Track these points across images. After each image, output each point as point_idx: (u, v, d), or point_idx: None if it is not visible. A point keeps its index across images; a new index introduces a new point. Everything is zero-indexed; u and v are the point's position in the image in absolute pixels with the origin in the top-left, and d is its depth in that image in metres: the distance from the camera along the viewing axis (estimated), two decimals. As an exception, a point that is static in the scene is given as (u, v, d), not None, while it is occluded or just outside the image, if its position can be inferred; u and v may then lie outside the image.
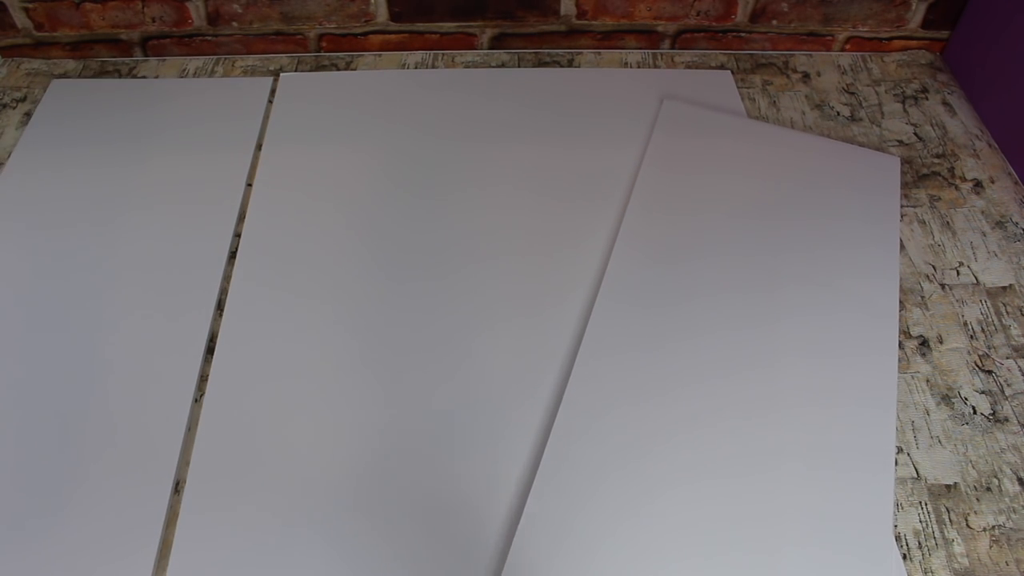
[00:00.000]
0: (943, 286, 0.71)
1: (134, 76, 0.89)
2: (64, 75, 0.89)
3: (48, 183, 0.76)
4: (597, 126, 0.83)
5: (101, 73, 0.90)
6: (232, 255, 0.71)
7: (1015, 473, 0.58)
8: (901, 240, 0.73)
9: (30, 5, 0.86)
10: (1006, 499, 0.57)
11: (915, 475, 0.58)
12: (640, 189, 0.74)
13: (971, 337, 0.67)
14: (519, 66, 0.91)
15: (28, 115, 0.84)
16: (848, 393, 0.61)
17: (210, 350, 0.64)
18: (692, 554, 0.53)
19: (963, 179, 0.79)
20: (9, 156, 0.79)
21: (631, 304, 0.66)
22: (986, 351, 0.66)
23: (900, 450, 0.60)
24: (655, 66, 0.92)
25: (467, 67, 0.91)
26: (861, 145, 0.82)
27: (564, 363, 0.63)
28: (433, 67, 0.91)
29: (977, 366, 0.65)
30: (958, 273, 0.71)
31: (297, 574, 0.52)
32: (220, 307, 0.67)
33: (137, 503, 0.55)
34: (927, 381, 0.64)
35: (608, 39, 0.93)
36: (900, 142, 0.83)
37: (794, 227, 0.72)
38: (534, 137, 0.81)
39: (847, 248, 0.71)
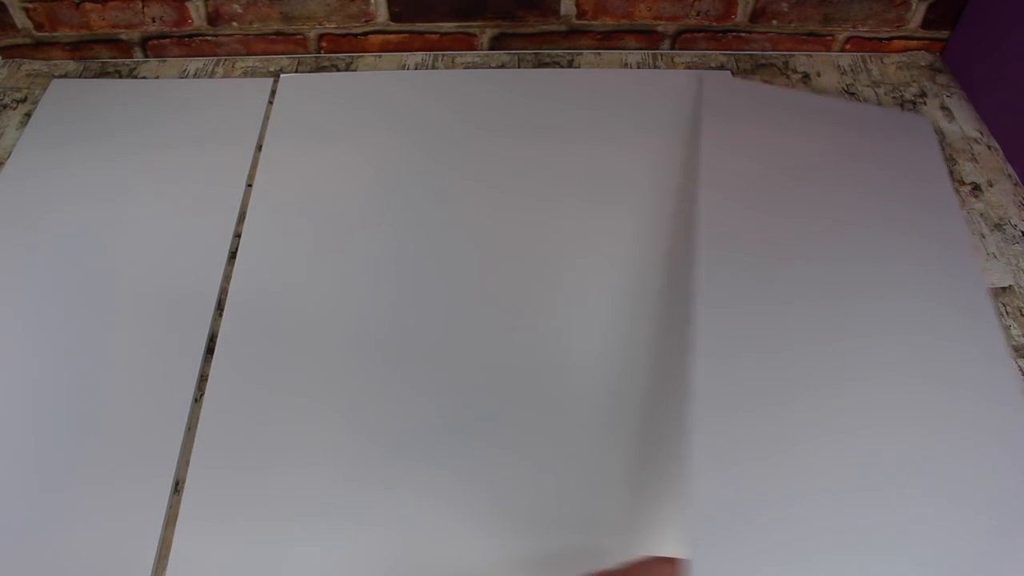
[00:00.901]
0: (942, 287, 0.71)
1: (134, 77, 0.89)
2: (64, 76, 0.89)
3: (48, 183, 0.76)
4: (596, 127, 0.83)
5: (101, 74, 0.90)
6: (232, 255, 0.71)
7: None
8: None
9: (30, 5, 0.86)
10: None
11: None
12: (707, 175, 0.73)
13: (970, 338, 0.67)
14: (519, 66, 0.91)
15: (28, 115, 0.84)
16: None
17: (210, 350, 0.65)
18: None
19: (961, 182, 0.79)
20: (9, 156, 0.79)
21: (733, 308, 0.63)
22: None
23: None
24: (655, 66, 0.92)
25: (467, 68, 0.91)
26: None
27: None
28: (433, 68, 0.91)
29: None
30: (957, 274, 0.72)
31: (297, 574, 0.53)
32: (220, 307, 0.67)
33: (137, 503, 0.55)
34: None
35: (608, 39, 0.93)
36: (900, 143, 0.83)
37: (861, 205, 0.72)
38: (535, 138, 0.81)
39: (918, 232, 0.70)
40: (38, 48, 0.91)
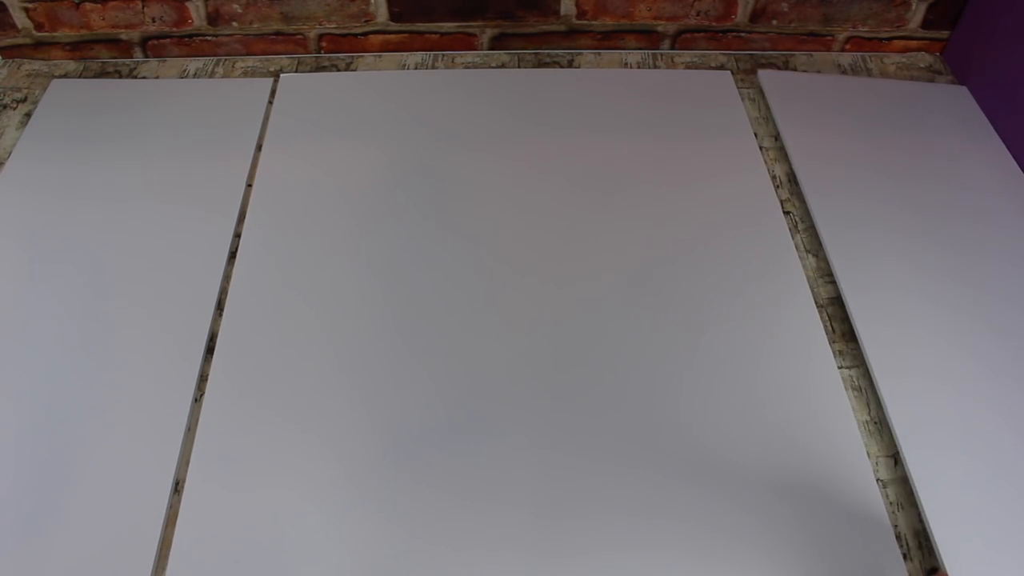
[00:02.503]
0: (943, 286, 0.71)
1: (134, 77, 0.89)
2: (64, 75, 0.89)
3: (48, 183, 0.76)
4: (596, 127, 0.83)
5: (101, 74, 0.90)
6: (232, 255, 0.71)
7: None
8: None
9: (30, 5, 0.86)
10: None
11: None
12: (802, 172, 0.78)
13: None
14: (519, 66, 0.91)
15: (28, 115, 0.84)
16: None
17: (210, 350, 0.64)
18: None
19: (963, 179, 0.80)
20: (9, 156, 0.79)
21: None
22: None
23: None
24: (655, 66, 0.92)
25: (467, 68, 0.91)
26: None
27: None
28: (433, 68, 0.91)
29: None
30: (958, 273, 0.72)
31: (297, 574, 0.52)
32: (220, 307, 0.67)
33: (137, 503, 0.55)
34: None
35: (608, 39, 0.93)
36: (900, 142, 0.83)
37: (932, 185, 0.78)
38: (535, 138, 0.81)
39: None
40: (38, 48, 0.91)
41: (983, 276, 0.69)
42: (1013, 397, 0.61)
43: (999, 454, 0.57)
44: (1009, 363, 0.63)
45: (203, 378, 0.63)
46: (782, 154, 0.81)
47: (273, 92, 0.87)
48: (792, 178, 0.79)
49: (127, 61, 0.91)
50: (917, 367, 0.63)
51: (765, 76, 0.89)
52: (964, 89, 0.88)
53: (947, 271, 0.70)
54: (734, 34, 0.92)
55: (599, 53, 0.93)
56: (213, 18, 0.89)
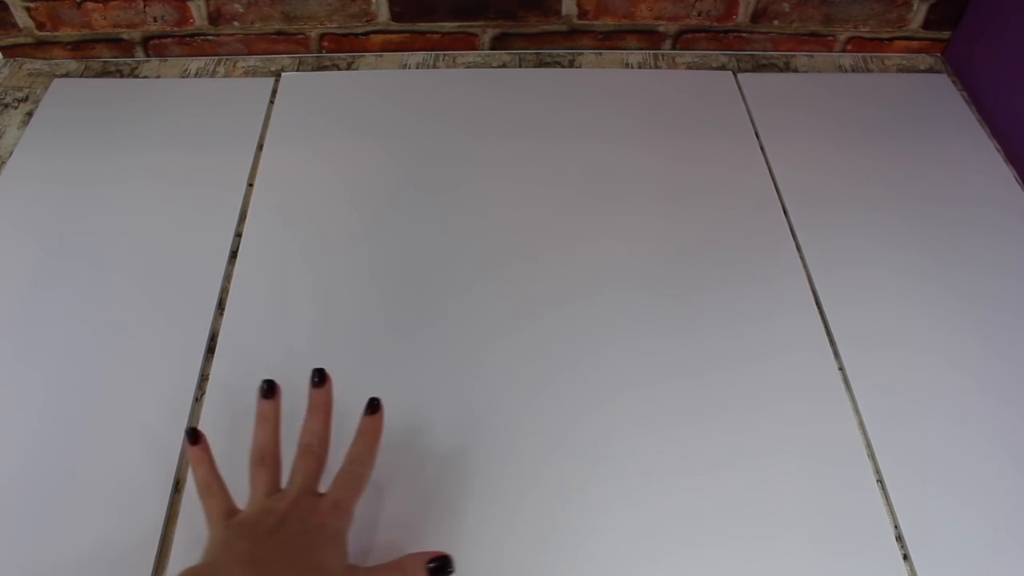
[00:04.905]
0: (944, 287, 0.71)
1: (135, 76, 0.89)
2: (66, 75, 0.89)
3: (49, 183, 0.76)
4: (597, 127, 0.83)
5: (103, 73, 0.90)
6: (233, 255, 0.71)
7: None
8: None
9: (32, 4, 0.86)
10: None
11: None
12: (778, 169, 0.79)
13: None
14: (520, 66, 0.91)
15: (30, 115, 0.84)
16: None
17: (210, 350, 0.65)
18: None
19: (964, 180, 0.79)
20: (11, 155, 0.79)
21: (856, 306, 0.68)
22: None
23: None
24: (656, 66, 0.92)
25: (468, 67, 0.91)
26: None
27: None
28: (434, 67, 0.91)
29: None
30: (959, 274, 0.72)
31: (297, 574, 0.53)
32: (221, 307, 0.67)
33: (137, 503, 0.55)
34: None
35: (609, 39, 0.93)
36: (901, 143, 0.83)
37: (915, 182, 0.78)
38: (536, 138, 0.81)
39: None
40: (40, 47, 0.91)
41: (974, 285, 0.69)
42: (1001, 410, 0.61)
43: (975, 463, 0.58)
44: (997, 372, 0.63)
45: (204, 378, 0.63)
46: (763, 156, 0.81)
47: (274, 92, 0.87)
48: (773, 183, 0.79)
49: (128, 60, 0.92)
50: (896, 373, 0.63)
51: (745, 79, 0.89)
52: (949, 81, 0.89)
53: (936, 280, 0.69)
54: (735, 34, 0.92)
55: (600, 53, 0.93)
56: (214, 18, 0.89)
